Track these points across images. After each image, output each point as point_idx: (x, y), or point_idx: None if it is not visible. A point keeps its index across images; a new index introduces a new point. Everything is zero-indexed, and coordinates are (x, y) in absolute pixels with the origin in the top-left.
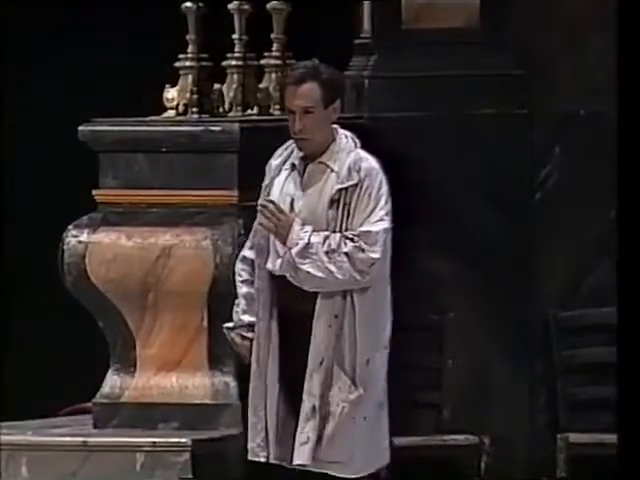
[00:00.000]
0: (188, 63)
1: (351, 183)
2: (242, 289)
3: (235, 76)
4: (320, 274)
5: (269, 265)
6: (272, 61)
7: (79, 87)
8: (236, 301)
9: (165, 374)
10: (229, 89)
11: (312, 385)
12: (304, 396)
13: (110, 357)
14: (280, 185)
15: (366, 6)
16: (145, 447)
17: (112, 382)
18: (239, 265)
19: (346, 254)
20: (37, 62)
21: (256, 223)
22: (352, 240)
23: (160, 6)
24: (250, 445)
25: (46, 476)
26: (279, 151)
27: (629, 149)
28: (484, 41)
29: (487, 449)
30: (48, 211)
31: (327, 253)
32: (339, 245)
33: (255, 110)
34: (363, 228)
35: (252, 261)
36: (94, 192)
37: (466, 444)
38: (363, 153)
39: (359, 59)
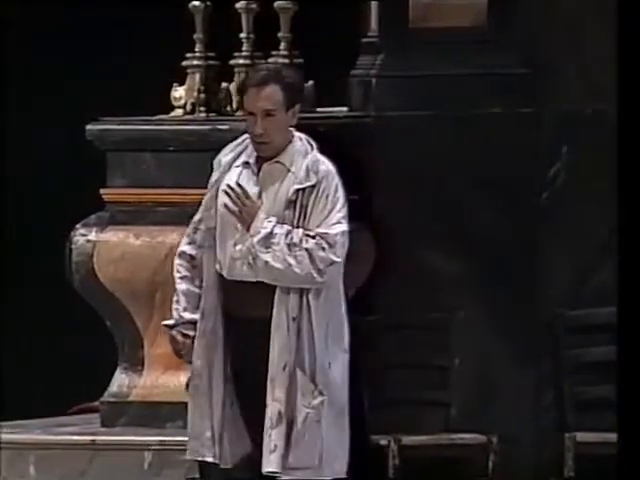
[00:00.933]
0: (196, 62)
1: (309, 184)
2: (181, 285)
3: (242, 75)
4: (279, 265)
5: (219, 256)
6: (279, 60)
7: (86, 86)
8: (174, 298)
9: (173, 373)
10: (236, 88)
11: (276, 390)
12: (268, 401)
13: (118, 356)
14: (232, 182)
15: (373, 5)
16: (153, 446)
17: (120, 381)
18: (177, 261)
19: (307, 250)
20: (41, 62)
21: (196, 217)
22: (313, 238)
23: (165, 5)
24: (192, 444)
25: (54, 475)
26: (229, 147)
27: (630, 148)
28: (491, 40)
29: (495, 448)
30: (55, 210)
31: (289, 245)
32: (301, 240)
33: None
34: (321, 230)
35: (191, 257)
36: (102, 191)
37: (474, 443)
38: (320, 156)
39: (366, 58)
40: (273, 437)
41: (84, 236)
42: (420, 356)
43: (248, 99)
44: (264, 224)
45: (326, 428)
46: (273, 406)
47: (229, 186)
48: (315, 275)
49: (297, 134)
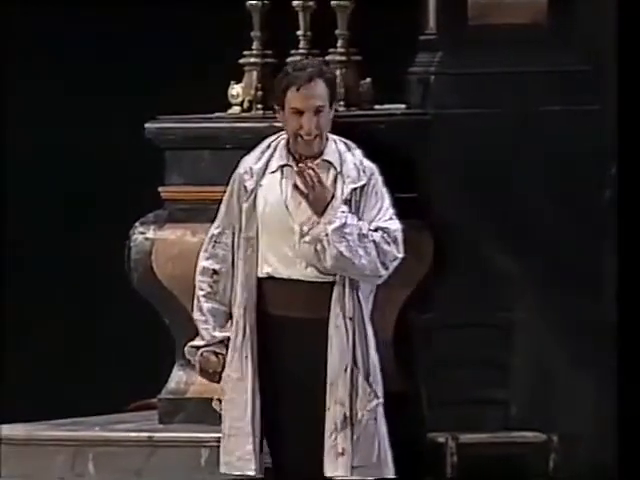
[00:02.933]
0: (253, 60)
1: (362, 183)
2: (207, 304)
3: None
4: (350, 256)
5: (268, 260)
6: (336, 57)
7: (144, 85)
8: (202, 317)
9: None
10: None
11: (339, 393)
12: (330, 405)
13: (176, 353)
14: (277, 188)
15: (432, 2)
16: (210, 442)
17: (177, 378)
18: (200, 277)
19: (375, 242)
20: (102, 61)
21: (215, 231)
22: (376, 231)
23: (223, 4)
24: (227, 459)
25: (112, 471)
26: (255, 154)
27: (630, 148)
28: (551, 37)
29: (555, 447)
30: (115, 209)
31: (359, 236)
32: (369, 232)
33: None
34: (381, 224)
35: (214, 271)
36: (160, 189)
37: (534, 441)
38: (360, 153)
39: (424, 55)
40: (339, 441)
41: (143, 234)
42: (480, 354)
43: (294, 97)
44: (338, 213)
45: (381, 426)
46: (337, 410)
47: (302, 168)
48: (380, 268)
49: (328, 134)
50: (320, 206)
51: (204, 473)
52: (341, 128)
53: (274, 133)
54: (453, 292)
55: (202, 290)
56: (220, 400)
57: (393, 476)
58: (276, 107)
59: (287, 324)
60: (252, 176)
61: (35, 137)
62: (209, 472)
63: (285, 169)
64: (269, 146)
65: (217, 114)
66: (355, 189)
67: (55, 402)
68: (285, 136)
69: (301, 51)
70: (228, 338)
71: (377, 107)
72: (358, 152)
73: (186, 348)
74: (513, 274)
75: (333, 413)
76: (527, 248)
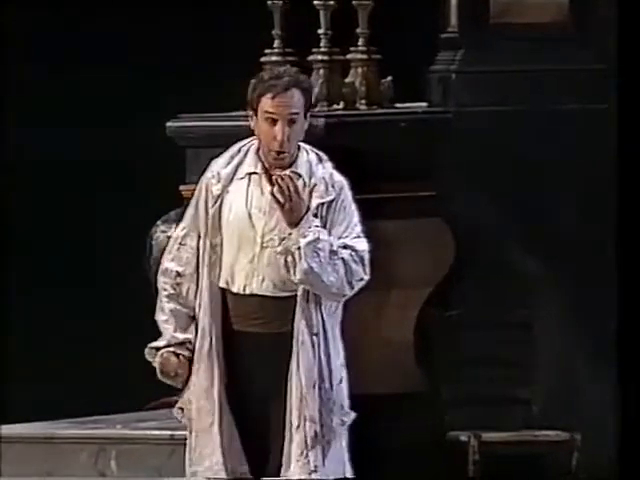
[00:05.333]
0: (274, 58)
1: (330, 198)
2: (169, 304)
3: (321, 71)
4: (320, 272)
5: (228, 271)
6: (358, 56)
7: (164, 84)
8: (162, 317)
9: None
10: (315, 84)
11: (309, 410)
12: (299, 422)
13: None
14: (242, 196)
15: (453, 1)
16: None
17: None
18: (162, 278)
19: (343, 260)
20: (123, 60)
21: (180, 233)
22: (344, 248)
23: (243, 2)
24: (194, 469)
25: (134, 469)
26: (224, 159)
27: (630, 147)
28: (572, 36)
29: (578, 446)
30: (137, 207)
31: (330, 253)
32: (338, 249)
33: (341, 105)
34: (349, 242)
35: (177, 273)
36: (181, 187)
37: (557, 440)
38: (331, 166)
39: (446, 54)
40: (311, 458)
41: (164, 232)
42: (501, 353)
43: (270, 105)
44: (312, 227)
45: (345, 441)
46: (308, 426)
47: (281, 177)
48: (346, 287)
49: (300, 144)
50: (295, 217)
51: None
52: (362, 126)
53: None
54: (474, 291)
55: (165, 291)
56: (182, 409)
57: None
58: (249, 112)
59: (245, 337)
60: (219, 181)
61: (57, 136)
62: None
63: (252, 177)
64: (239, 150)
65: (237, 112)
66: (322, 204)
67: (77, 400)
68: (256, 142)
69: (322, 49)
70: (189, 340)
71: (398, 105)
72: (329, 165)
73: (146, 349)
74: (534, 273)
75: (303, 430)
76: (547, 247)
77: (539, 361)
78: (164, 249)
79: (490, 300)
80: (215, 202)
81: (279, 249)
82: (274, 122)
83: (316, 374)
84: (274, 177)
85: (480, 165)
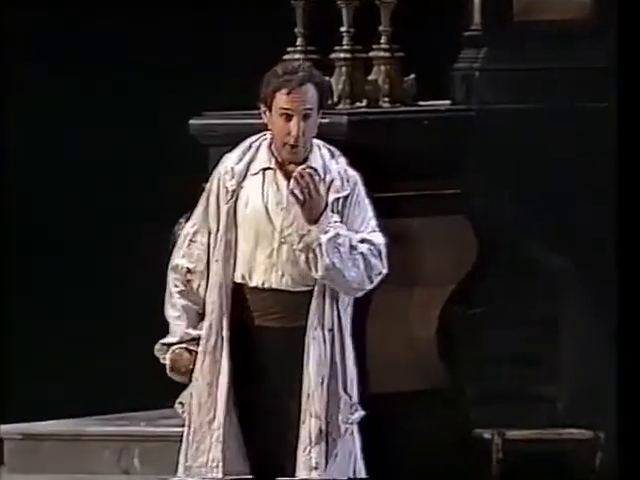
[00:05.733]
0: (297, 56)
1: (346, 193)
2: (181, 300)
3: (343, 69)
4: (341, 267)
5: (245, 265)
6: (381, 53)
7: (189, 83)
8: (175, 313)
9: None
10: (337, 82)
11: (315, 406)
12: (305, 418)
13: None
14: (258, 191)
15: None
16: None
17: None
18: (173, 275)
19: (362, 254)
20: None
21: (190, 229)
22: (362, 242)
23: (267, 4)
24: (189, 463)
25: (157, 467)
26: (236, 154)
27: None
28: (595, 34)
29: (602, 444)
30: (159, 205)
31: (350, 248)
32: (357, 244)
33: (364, 102)
34: (366, 236)
35: (188, 270)
36: (204, 185)
37: (581, 438)
38: (344, 161)
39: (469, 51)
40: (314, 455)
41: None
42: (525, 351)
43: (285, 100)
44: (331, 223)
45: (356, 440)
46: (313, 423)
47: (300, 174)
48: (366, 281)
49: (313, 139)
50: (315, 214)
51: None
52: (385, 124)
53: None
54: (497, 289)
55: (177, 287)
56: (182, 403)
57: None
58: (261, 107)
59: (261, 332)
60: (233, 177)
61: (57, 136)
62: None
63: (267, 172)
64: (250, 146)
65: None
66: (338, 199)
67: (100, 398)
68: (268, 137)
69: (344, 47)
70: (200, 337)
71: (421, 103)
72: (342, 160)
73: (156, 346)
74: (558, 270)
75: (308, 426)
76: (571, 244)
77: (563, 359)
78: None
79: (513, 297)
80: (230, 198)
81: (300, 246)
82: (289, 117)
83: (326, 370)
84: (293, 174)
85: (503, 163)
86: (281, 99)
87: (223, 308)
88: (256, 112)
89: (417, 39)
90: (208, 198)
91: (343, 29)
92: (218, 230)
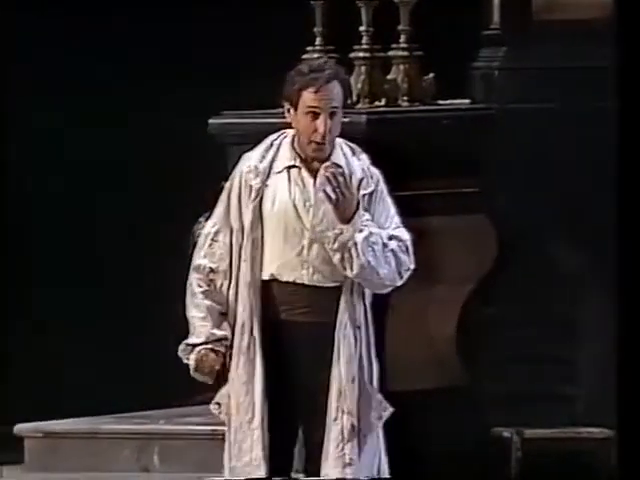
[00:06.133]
0: (315, 55)
1: (371, 190)
2: (205, 301)
3: (362, 68)
4: (375, 265)
5: (272, 262)
6: (399, 53)
7: (207, 83)
8: (199, 314)
9: None
10: (356, 81)
11: (347, 403)
12: (336, 414)
13: None
14: (284, 189)
15: None
16: None
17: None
18: (196, 275)
19: (392, 251)
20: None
21: (211, 229)
22: (390, 239)
23: (286, 4)
24: (233, 464)
25: (176, 464)
26: (259, 152)
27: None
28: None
29: None
30: (179, 204)
31: (382, 246)
32: (388, 241)
33: (382, 101)
34: (394, 232)
35: (210, 270)
36: (223, 184)
37: (600, 437)
38: (366, 158)
39: (488, 51)
40: (347, 451)
41: None
42: (545, 350)
43: (313, 98)
44: (364, 221)
45: (381, 438)
46: (345, 419)
47: (332, 173)
48: (397, 278)
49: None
50: (348, 213)
51: None
52: (404, 123)
53: None
54: (517, 288)
55: (200, 287)
56: (219, 404)
57: None
58: (286, 105)
59: (289, 327)
60: (257, 175)
61: (58, 136)
62: None
63: (291, 170)
64: (272, 145)
65: (278, 109)
66: (364, 195)
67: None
68: (289, 134)
69: (363, 46)
70: (226, 337)
71: (440, 102)
72: (364, 156)
73: (180, 346)
74: (577, 269)
75: (341, 423)
76: (592, 244)
77: (582, 358)
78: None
79: (533, 296)
80: (256, 196)
81: (335, 246)
82: (315, 115)
83: (356, 367)
84: (320, 172)
85: (522, 161)
86: (308, 97)
87: (254, 307)
88: (274, 111)
89: (436, 38)
90: (229, 197)
91: (362, 28)
92: (242, 229)
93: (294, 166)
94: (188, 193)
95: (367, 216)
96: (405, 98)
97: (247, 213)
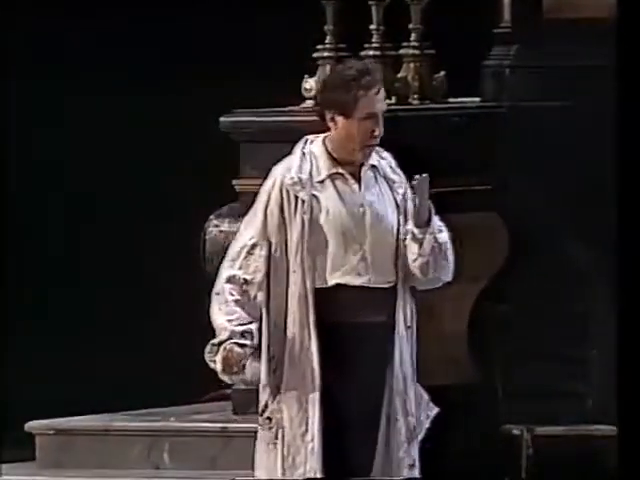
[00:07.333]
0: (326, 54)
1: (404, 190)
2: (236, 308)
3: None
4: (451, 266)
5: (333, 267)
6: (410, 51)
7: (219, 81)
8: (225, 318)
9: None
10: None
11: (408, 404)
12: (399, 416)
13: None
14: (334, 196)
15: None
16: None
17: (252, 369)
18: (229, 285)
19: (449, 249)
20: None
21: (248, 241)
22: None
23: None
24: (288, 476)
25: (187, 462)
26: (295, 163)
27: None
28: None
29: None
30: (190, 202)
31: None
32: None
33: (393, 100)
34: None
35: (245, 281)
36: (234, 182)
37: (611, 435)
38: (390, 156)
39: (499, 49)
40: (413, 453)
41: (217, 227)
42: (556, 347)
43: (371, 102)
44: (438, 223)
45: None
46: (409, 421)
47: (419, 181)
48: (450, 276)
49: None
50: (428, 216)
51: None
52: (415, 121)
53: None
54: (528, 285)
55: (232, 296)
56: (270, 418)
57: None
58: (329, 114)
59: (354, 331)
60: (304, 187)
61: (57, 136)
62: None
63: (334, 177)
64: (304, 154)
65: (290, 107)
66: (403, 195)
67: (131, 393)
68: (315, 141)
69: (374, 45)
70: (250, 330)
71: (451, 100)
72: (387, 154)
73: (206, 348)
74: (589, 267)
75: (405, 424)
76: (602, 241)
77: (593, 355)
78: (219, 243)
79: (545, 294)
80: (308, 207)
81: (427, 249)
82: (372, 119)
83: (411, 367)
84: (414, 183)
85: (534, 159)
86: (368, 102)
87: (309, 317)
88: (287, 109)
89: (447, 36)
90: (266, 210)
91: (373, 27)
92: (285, 241)
93: (337, 173)
94: (194, 192)
95: (437, 218)
96: (416, 96)
97: (295, 225)
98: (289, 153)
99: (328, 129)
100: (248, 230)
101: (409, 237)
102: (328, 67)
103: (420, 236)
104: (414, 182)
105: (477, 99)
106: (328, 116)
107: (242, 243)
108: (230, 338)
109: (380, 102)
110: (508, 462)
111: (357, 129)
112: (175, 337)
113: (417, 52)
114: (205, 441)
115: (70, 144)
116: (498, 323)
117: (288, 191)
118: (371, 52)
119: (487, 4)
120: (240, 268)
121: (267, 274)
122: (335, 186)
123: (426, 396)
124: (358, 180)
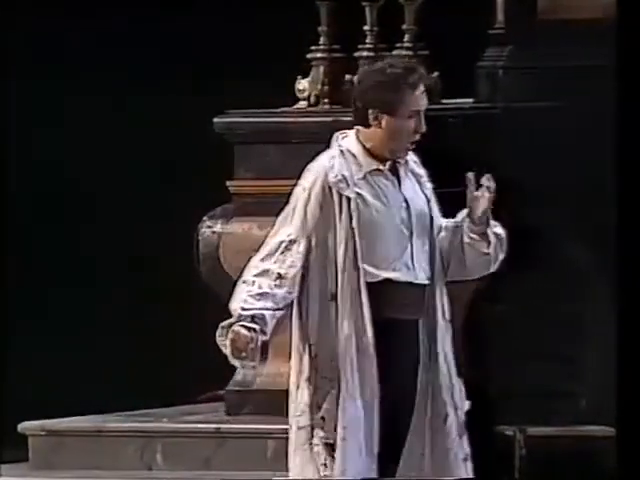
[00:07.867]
0: (320, 54)
1: (430, 186)
2: (259, 301)
3: (367, 67)
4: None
5: (382, 262)
6: (404, 52)
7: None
8: (244, 305)
9: None
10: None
11: (456, 398)
12: (449, 411)
13: None
14: (377, 192)
15: None
16: (277, 434)
17: (245, 370)
18: (260, 279)
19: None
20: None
21: (286, 237)
22: None
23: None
24: (337, 475)
25: (180, 462)
26: (336, 161)
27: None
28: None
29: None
30: (183, 203)
31: None
32: None
33: None
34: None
35: (279, 275)
36: (228, 183)
37: (604, 435)
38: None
39: (493, 50)
40: (465, 446)
41: (210, 228)
42: (550, 347)
43: (417, 98)
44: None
45: None
46: (459, 415)
47: (487, 178)
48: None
49: None
50: (488, 212)
51: (271, 464)
52: None
53: (340, 127)
54: (524, 285)
55: (260, 288)
56: (324, 418)
57: None
58: (377, 113)
59: (400, 327)
60: (349, 185)
61: (58, 136)
62: (276, 462)
63: (374, 173)
64: (342, 152)
65: (284, 109)
66: (430, 189)
67: (125, 395)
68: (349, 138)
69: (368, 46)
70: (261, 315)
71: (445, 101)
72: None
73: (217, 332)
74: (585, 267)
75: (456, 419)
76: (599, 241)
77: (588, 356)
78: (212, 244)
79: (540, 294)
80: (354, 205)
81: (491, 247)
82: (416, 116)
83: (454, 362)
84: (484, 182)
85: (528, 160)
86: (414, 99)
87: (364, 314)
88: (280, 110)
89: (441, 37)
90: (306, 207)
91: (367, 28)
92: (326, 239)
93: (378, 169)
94: (188, 192)
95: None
96: None
97: (341, 223)
98: (285, 155)
99: (369, 126)
100: (286, 227)
101: (473, 235)
102: (322, 68)
103: (487, 233)
104: (483, 181)
105: (471, 100)
106: (372, 115)
107: (280, 239)
108: (238, 321)
109: (423, 100)
110: (501, 462)
111: (402, 127)
112: (175, 337)
113: (411, 53)
114: (198, 442)
115: (70, 144)
116: (493, 323)
117: (330, 189)
118: (365, 53)
119: (481, 5)
120: (275, 262)
121: (303, 270)
122: (375, 182)
123: (463, 389)
124: (395, 176)
